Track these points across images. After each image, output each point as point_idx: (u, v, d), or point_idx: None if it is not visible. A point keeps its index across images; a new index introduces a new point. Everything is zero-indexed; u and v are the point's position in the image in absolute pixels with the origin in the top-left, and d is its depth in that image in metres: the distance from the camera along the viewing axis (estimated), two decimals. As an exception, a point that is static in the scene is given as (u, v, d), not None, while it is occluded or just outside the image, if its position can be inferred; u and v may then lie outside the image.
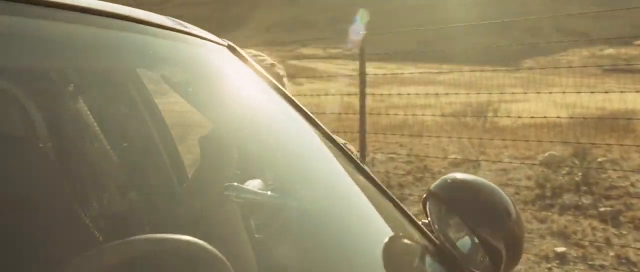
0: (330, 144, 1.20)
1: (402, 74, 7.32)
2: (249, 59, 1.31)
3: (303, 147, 1.30)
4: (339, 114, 7.77)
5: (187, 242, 0.82)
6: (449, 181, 1.13)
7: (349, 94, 6.08)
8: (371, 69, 6.10)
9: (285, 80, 1.72)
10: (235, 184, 1.16)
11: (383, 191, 1.24)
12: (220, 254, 0.84)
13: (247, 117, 1.32)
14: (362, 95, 5.31)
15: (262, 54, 1.70)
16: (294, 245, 1.15)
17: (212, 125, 1.40)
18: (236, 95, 1.36)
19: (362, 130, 5.33)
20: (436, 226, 1.11)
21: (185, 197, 1.36)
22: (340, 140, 1.76)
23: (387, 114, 7.78)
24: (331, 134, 1.25)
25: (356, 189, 1.29)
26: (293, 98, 1.26)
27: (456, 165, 7.56)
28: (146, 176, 1.50)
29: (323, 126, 1.26)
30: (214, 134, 1.34)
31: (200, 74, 1.40)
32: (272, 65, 1.66)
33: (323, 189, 1.19)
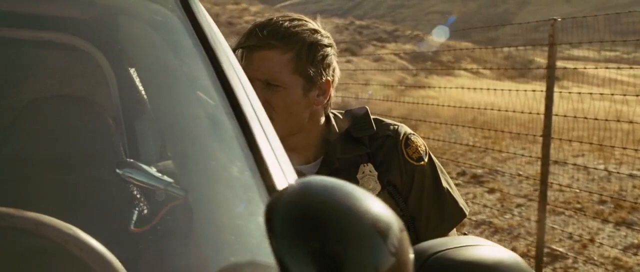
0: (256, 136, 0.88)
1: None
2: (203, 14, 1.10)
3: (225, 132, 1.00)
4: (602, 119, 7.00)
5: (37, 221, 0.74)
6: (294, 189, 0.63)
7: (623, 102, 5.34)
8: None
9: (330, 50, 1.48)
10: (132, 160, 1.02)
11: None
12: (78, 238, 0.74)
13: (170, 92, 1.14)
14: (549, 93, 4.43)
15: (305, 17, 1.49)
16: (165, 247, 0.97)
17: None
18: (163, 62, 1.15)
19: (546, 135, 4.46)
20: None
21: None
22: (418, 141, 1.54)
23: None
24: (266, 125, 0.92)
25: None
26: (238, 73, 1.00)
27: None
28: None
29: (261, 115, 0.95)
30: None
31: (128, 34, 1.20)
32: (314, 31, 1.45)
33: (226, 186, 0.93)
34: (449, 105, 6.41)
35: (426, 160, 1.54)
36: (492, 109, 5.56)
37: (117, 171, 0.99)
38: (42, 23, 1.26)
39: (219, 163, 0.94)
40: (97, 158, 1.24)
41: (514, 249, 4.93)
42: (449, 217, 1.55)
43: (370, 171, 1.51)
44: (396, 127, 1.56)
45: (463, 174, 7.23)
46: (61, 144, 1.24)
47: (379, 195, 1.49)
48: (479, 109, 5.87)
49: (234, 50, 1.45)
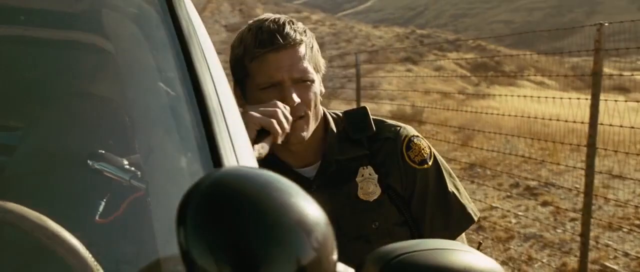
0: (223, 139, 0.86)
1: None
2: (185, 7, 1.10)
3: (186, 126, 0.98)
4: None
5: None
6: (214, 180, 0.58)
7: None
8: None
9: (311, 40, 1.44)
10: (104, 152, 1.02)
11: None
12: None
13: (138, 83, 1.16)
14: (594, 101, 4.19)
15: (293, 20, 1.45)
16: (128, 239, 0.98)
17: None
18: (136, 53, 1.17)
19: (591, 144, 4.23)
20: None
21: None
22: (422, 144, 1.48)
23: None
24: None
25: None
26: (211, 67, 0.99)
27: None
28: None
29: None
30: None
31: (107, 26, 1.21)
32: (304, 32, 1.43)
33: (182, 179, 0.93)
34: (508, 115, 6.19)
35: (430, 163, 1.48)
36: (551, 120, 5.36)
37: (89, 162, 0.99)
38: (60, 21, 1.30)
39: (178, 157, 0.94)
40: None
41: (564, 265, 4.75)
42: (455, 223, 1.49)
43: (369, 174, 1.45)
44: (398, 128, 1.49)
45: (516, 185, 7.03)
46: (76, 141, 1.28)
47: (380, 199, 1.45)
48: (542, 119, 5.66)
49: (241, 59, 1.40)
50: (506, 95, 6.37)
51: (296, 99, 1.35)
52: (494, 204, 6.16)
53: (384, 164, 1.46)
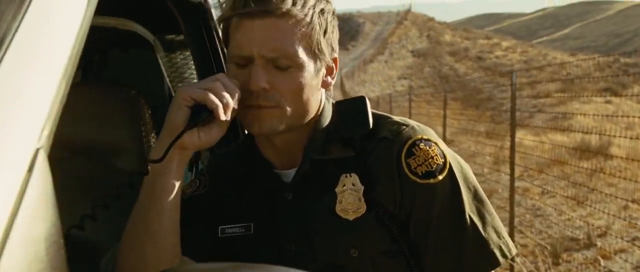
0: None
1: None
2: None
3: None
4: None
5: None
6: None
7: None
8: None
9: (329, 17, 1.09)
10: None
11: None
12: None
13: None
14: None
15: None
16: None
17: None
18: None
19: None
20: None
21: None
22: (433, 151, 1.11)
23: None
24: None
25: None
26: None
27: None
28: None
29: None
30: None
31: None
32: (310, 5, 1.07)
33: None
34: None
35: (440, 177, 1.09)
36: None
37: None
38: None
39: None
40: (119, 147, 1.26)
41: None
42: (468, 262, 1.10)
43: (353, 184, 1.11)
44: (402, 127, 1.13)
45: None
46: (89, 130, 1.27)
47: (363, 218, 1.10)
48: None
49: (221, 21, 1.13)
50: None
51: (262, 83, 1.04)
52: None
53: (372, 172, 1.11)
